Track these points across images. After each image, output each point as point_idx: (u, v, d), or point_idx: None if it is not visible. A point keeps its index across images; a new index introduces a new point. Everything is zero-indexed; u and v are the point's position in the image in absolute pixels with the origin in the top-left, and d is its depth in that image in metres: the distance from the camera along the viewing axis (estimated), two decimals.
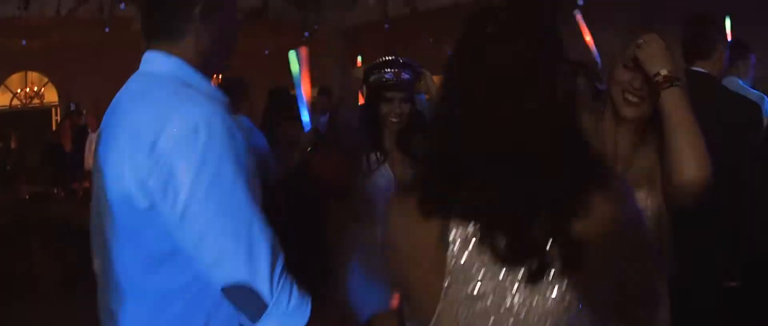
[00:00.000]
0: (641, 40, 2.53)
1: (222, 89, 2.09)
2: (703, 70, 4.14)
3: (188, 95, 1.94)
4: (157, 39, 2.08)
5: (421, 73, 4.21)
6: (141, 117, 1.91)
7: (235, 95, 4.04)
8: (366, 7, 13.13)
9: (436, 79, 6.25)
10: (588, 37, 5.99)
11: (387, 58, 4.04)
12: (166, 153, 1.82)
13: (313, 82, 4.95)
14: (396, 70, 4.01)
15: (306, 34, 13.94)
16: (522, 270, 1.55)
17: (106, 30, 12.66)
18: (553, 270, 1.54)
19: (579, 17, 6.12)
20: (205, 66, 2.09)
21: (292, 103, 6.96)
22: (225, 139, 1.86)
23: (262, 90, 7.37)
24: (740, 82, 5.47)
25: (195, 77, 2.05)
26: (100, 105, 3.50)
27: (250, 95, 5.52)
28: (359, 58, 7.47)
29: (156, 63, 2.07)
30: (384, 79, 3.97)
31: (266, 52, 15.70)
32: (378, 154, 3.95)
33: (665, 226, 2.67)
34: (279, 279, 1.85)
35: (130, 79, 2.12)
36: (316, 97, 8.77)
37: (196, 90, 1.99)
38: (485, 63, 1.63)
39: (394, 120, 3.94)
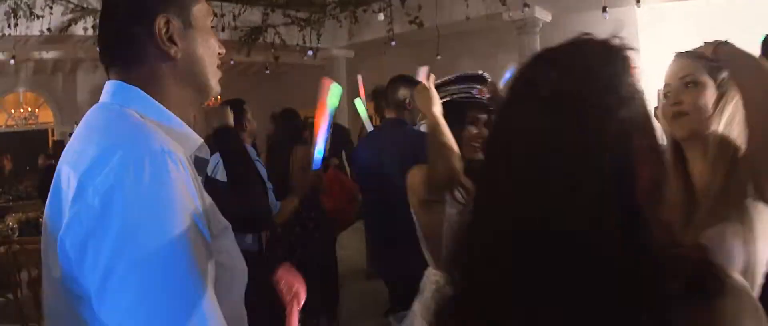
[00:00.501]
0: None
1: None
2: None
3: (135, 131, 1.56)
4: (113, 63, 1.74)
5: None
6: (75, 157, 1.52)
7: (234, 118, 3.74)
8: (370, 25, 12.92)
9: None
10: None
11: (471, 73, 3.59)
12: (90, 206, 1.41)
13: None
14: (482, 87, 3.57)
15: (309, 52, 13.71)
16: None
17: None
18: None
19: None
20: (174, 99, 1.73)
21: (303, 126, 6.83)
22: (166, 192, 1.44)
23: (261, 110, 7.12)
24: None
25: (157, 111, 1.68)
26: None
27: (249, 116, 5.14)
28: (360, 79, 7.13)
29: (108, 94, 1.71)
30: (470, 96, 3.52)
31: (267, 72, 15.51)
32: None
33: None
34: None
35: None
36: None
37: (151, 127, 1.60)
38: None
39: (476, 145, 3.48)
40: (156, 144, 1.49)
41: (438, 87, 3.40)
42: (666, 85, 2.42)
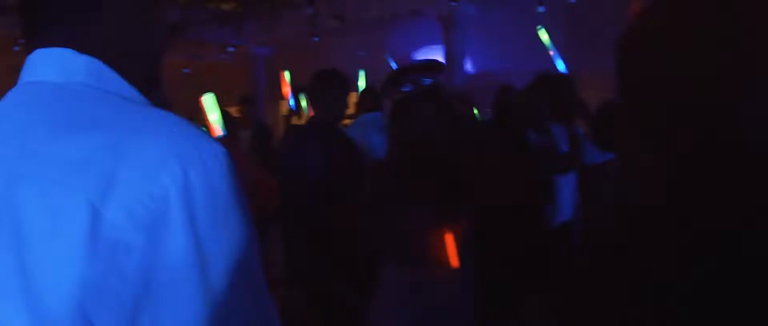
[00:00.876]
0: None
1: None
2: None
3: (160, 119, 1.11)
4: (49, 27, 1.19)
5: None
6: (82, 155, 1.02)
7: None
8: (292, 21, 12.73)
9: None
10: None
11: (428, 60, 3.40)
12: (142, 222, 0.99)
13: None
14: (416, 77, 3.46)
15: (230, 49, 13.46)
16: None
17: None
18: None
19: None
20: (131, 73, 1.23)
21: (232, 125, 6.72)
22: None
23: (182, 110, 6.92)
24: None
25: (126, 88, 1.21)
26: None
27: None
28: (287, 76, 6.99)
29: (56, 67, 1.17)
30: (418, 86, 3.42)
31: (186, 71, 15.19)
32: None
33: None
34: None
35: (12, 94, 1.20)
36: (242, 109, 8.45)
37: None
38: None
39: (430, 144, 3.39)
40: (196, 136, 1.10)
41: (396, 77, 3.29)
42: None
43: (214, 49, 13.85)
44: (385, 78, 3.35)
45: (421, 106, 3.28)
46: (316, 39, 12.03)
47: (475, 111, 6.56)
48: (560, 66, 6.24)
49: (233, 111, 7.72)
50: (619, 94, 1.16)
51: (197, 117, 6.53)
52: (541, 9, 9.76)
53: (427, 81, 3.26)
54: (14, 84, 1.20)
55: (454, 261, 3.26)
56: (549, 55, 6.26)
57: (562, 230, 5.10)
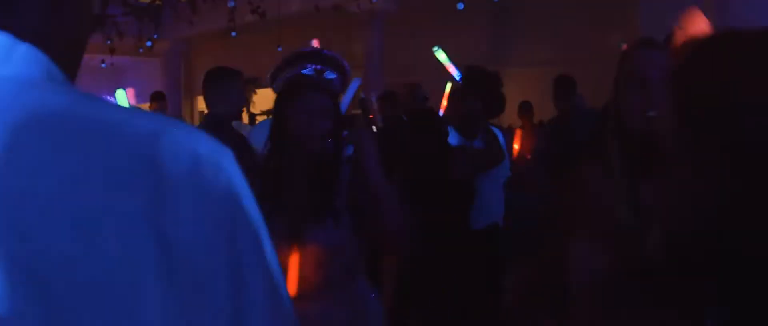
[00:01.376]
0: None
1: None
2: None
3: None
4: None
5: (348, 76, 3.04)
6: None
7: None
8: (210, 15, 12.61)
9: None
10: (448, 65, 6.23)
11: (305, 50, 2.98)
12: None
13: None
14: (319, 67, 2.92)
15: (148, 43, 13.26)
16: None
17: None
18: None
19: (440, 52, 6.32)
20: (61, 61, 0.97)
21: None
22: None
23: None
24: None
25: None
26: None
27: None
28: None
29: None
30: (298, 75, 2.89)
31: (103, 65, 14.95)
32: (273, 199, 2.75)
33: None
34: None
35: None
36: (153, 107, 8.29)
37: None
38: None
39: (311, 139, 2.75)
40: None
41: (273, 76, 2.93)
42: None
43: (132, 43, 13.63)
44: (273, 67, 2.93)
45: (308, 99, 2.75)
46: (233, 34, 11.95)
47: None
48: (457, 77, 6.29)
49: (145, 107, 7.61)
50: (676, 122, 1.20)
51: None
52: (460, 6, 9.82)
53: (330, 75, 2.87)
54: None
55: (292, 287, 2.68)
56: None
57: (488, 231, 5.09)
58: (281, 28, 11.64)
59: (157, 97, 8.74)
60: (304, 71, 2.86)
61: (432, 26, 7.89)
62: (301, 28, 12.40)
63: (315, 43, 6.01)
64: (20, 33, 0.91)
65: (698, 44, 1.24)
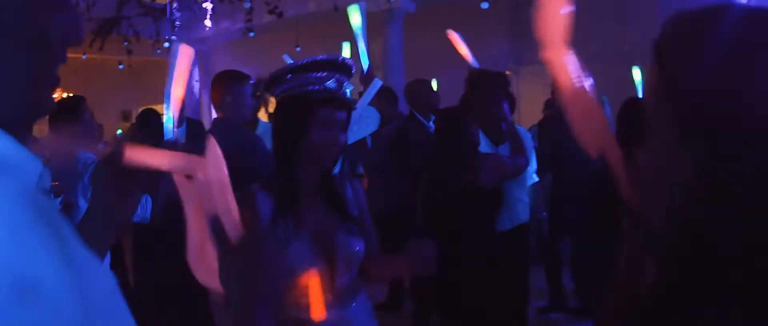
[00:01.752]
0: None
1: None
2: None
3: None
4: None
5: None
6: None
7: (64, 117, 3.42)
8: (227, 15, 12.58)
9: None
10: (464, 50, 5.96)
11: (324, 57, 2.74)
12: None
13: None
14: (341, 78, 2.78)
15: (166, 44, 13.21)
16: None
17: None
18: None
19: (452, 34, 6.08)
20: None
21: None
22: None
23: (115, 107, 6.76)
24: None
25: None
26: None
27: (86, 113, 4.59)
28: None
29: None
30: (322, 90, 2.70)
31: (121, 67, 14.93)
32: (294, 214, 2.70)
33: None
34: None
35: None
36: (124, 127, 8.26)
37: None
38: None
39: (330, 155, 2.75)
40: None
41: (280, 78, 2.72)
42: None
43: (149, 45, 13.60)
44: (269, 79, 2.72)
45: (332, 114, 2.72)
46: (251, 34, 11.89)
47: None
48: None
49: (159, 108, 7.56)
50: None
51: (133, 112, 6.39)
52: (485, 5, 9.70)
53: (349, 87, 2.69)
54: None
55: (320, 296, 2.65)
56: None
57: (515, 232, 5.04)
58: (299, 28, 11.58)
59: (127, 117, 8.79)
60: (328, 84, 2.68)
61: (452, 25, 7.76)
62: (320, 28, 12.35)
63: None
64: None
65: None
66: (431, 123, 6.41)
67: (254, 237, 2.57)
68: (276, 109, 2.80)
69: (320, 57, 2.69)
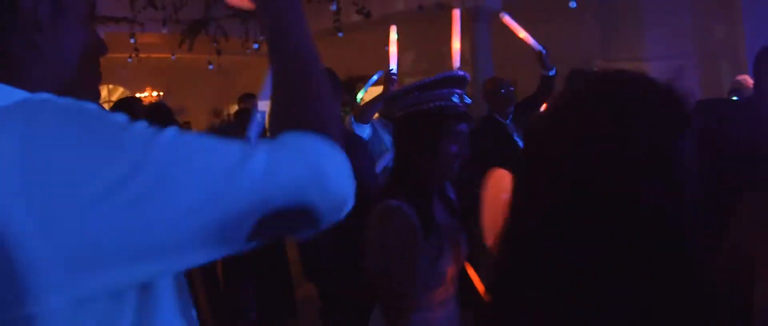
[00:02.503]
0: None
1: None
2: None
3: None
4: None
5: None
6: None
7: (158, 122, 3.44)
8: (316, 15, 12.63)
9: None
10: (522, 34, 6.20)
11: (447, 74, 2.93)
12: None
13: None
14: (461, 92, 2.94)
15: (255, 45, 13.35)
16: None
17: None
18: None
19: (507, 18, 6.36)
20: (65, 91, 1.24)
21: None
22: None
23: (204, 107, 6.85)
24: None
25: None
26: None
27: (177, 119, 4.73)
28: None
29: None
30: (450, 105, 2.87)
31: (211, 67, 15.12)
32: (429, 219, 2.88)
33: None
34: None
35: None
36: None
37: None
38: None
39: (454, 166, 2.91)
40: None
41: (405, 94, 2.89)
42: None
43: (238, 45, 13.74)
44: (390, 96, 2.98)
45: (459, 130, 2.91)
46: (340, 34, 11.91)
47: None
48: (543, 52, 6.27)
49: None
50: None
51: (223, 110, 6.48)
52: (572, 4, 9.55)
53: (468, 100, 2.87)
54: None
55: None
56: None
57: None
58: (387, 27, 11.61)
59: (245, 98, 8.95)
60: (454, 99, 2.86)
61: (539, 22, 7.70)
62: (407, 27, 12.35)
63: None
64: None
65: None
66: (508, 121, 6.33)
67: (415, 247, 2.75)
68: (401, 123, 2.96)
69: (443, 74, 2.87)
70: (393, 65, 6.06)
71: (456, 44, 6.43)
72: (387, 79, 5.87)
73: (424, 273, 2.80)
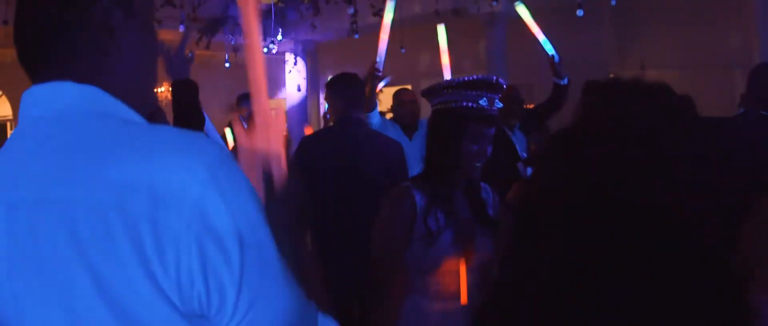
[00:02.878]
0: None
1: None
2: None
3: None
4: (57, 63, 1.30)
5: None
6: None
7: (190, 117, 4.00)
8: (332, 17, 12.68)
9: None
10: (535, 29, 6.38)
11: (479, 77, 3.05)
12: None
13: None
14: (492, 96, 3.06)
15: (271, 44, 13.40)
16: None
17: None
18: None
19: (521, 7, 6.51)
20: (132, 96, 1.35)
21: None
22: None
23: (222, 101, 6.93)
24: None
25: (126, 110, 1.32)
26: None
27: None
28: None
29: (63, 98, 1.27)
30: (476, 107, 3.00)
31: (227, 65, 15.19)
32: (447, 213, 3.05)
33: None
34: None
35: (21, 128, 1.34)
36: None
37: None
38: None
39: (477, 165, 3.08)
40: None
41: (438, 90, 3.03)
42: None
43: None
44: (425, 90, 3.10)
45: (484, 132, 3.09)
46: (356, 36, 11.96)
47: None
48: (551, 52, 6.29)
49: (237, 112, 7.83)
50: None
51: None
52: (580, 12, 9.59)
53: (499, 105, 2.97)
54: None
55: (464, 289, 2.96)
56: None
57: None
58: (403, 29, 11.64)
59: (243, 98, 9.08)
60: (481, 102, 2.99)
61: (554, 28, 7.75)
62: (424, 30, 12.38)
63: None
64: (86, 77, 1.28)
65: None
66: (517, 129, 6.40)
67: (411, 226, 2.97)
68: (432, 117, 3.16)
69: (475, 77, 3.01)
70: (380, 61, 6.09)
71: (445, 59, 6.66)
72: (370, 74, 5.85)
73: (417, 255, 2.98)
